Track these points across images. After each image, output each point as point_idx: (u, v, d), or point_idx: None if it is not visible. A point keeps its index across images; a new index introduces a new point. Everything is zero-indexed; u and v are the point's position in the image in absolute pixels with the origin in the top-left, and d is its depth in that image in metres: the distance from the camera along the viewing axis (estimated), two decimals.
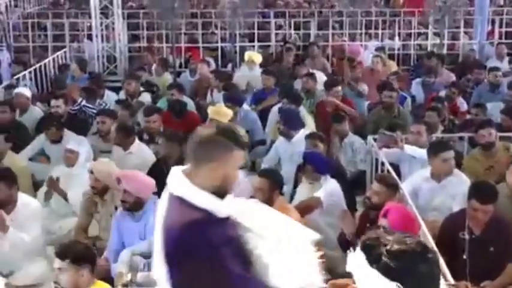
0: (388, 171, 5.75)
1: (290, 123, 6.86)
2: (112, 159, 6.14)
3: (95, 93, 8.46)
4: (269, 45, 12.47)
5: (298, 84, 9.18)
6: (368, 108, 8.82)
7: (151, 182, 5.10)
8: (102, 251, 5.11)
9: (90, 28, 12.35)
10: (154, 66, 10.47)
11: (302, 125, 7.01)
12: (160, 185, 5.33)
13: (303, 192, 5.77)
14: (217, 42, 12.36)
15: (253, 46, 12.30)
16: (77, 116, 8.06)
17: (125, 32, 12.28)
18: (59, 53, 11.70)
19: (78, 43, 12.87)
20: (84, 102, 8.14)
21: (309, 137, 6.32)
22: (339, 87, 8.36)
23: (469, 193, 4.65)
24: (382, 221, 4.36)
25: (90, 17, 12.37)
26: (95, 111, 8.00)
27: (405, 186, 5.38)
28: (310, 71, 9.46)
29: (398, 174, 5.93)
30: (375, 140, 6.46)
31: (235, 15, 11.34)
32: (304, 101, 8.30)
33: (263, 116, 8.33)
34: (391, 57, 11.71)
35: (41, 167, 6.88)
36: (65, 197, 6.01)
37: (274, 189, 4.98)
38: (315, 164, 5.68)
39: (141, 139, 7.01)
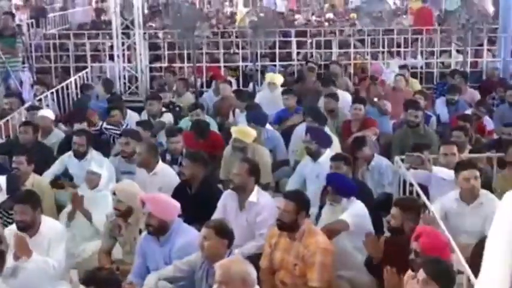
0: (417, 193, 5.63)
1: (320, 140, 6.77)
2: (135, 181, 6.08)
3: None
4: (290, 64, 12.42)
5: (321, 104, 9.11)
6: (392, 128, 8.73)
7: (176, 204, 5.02)
8: (126, 274, 5.03)
9: (111, 48, 12.40)
10: (175, 86, 10.46)
11: (330, 143, 6.93)
12: (185, 207, 5.35)
13: (327, 214, 5.68)
14: (237, 61, 12.35)
15: (275, 65, 12.29)
16: (99, 137, 8.04)
17: (146, 52, 12.31)
18: (81, 73, 11.74)
19: (100, 63, 12.91)
20: (105, 125, 8.12)
21: (334, 159, 6.22)
22: (362, 105, 8.33)
23: None
24: (413, 245, 4.27)
25: (111, 38, 12.43)
26: (117, 132, 7.96)
27: (435, 209, 5.26)
28: (333, 90, 9.41)
29: (428, 195, 5.80)
30: (402, 160, 6.33)
31: (256, 34, 11.29)
32: (328, 121, 8.25)
33: (286, 136, 8.26)
34: (414, 75, 11.63)
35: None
36: (89, 217, 5.94)
37: (300, 212, 4.89)
38: (336, 186, 5.59)
39: (163, 160, 6.94)
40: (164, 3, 27.99)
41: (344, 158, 6.23)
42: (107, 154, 7.51)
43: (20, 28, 13.84)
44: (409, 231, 4.67)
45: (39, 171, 6.82)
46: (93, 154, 7.07)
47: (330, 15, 20.67)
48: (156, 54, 13.18)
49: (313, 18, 20.14)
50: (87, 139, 7.08)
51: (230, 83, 10.10)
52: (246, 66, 12.54)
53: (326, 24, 18.09)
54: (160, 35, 14.85)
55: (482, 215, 5.32)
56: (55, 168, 7.15)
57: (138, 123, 8.04)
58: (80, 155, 7.05)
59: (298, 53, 12.97)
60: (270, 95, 9.79)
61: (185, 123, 8.59)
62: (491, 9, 14.87)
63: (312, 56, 12.95)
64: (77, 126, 7.85)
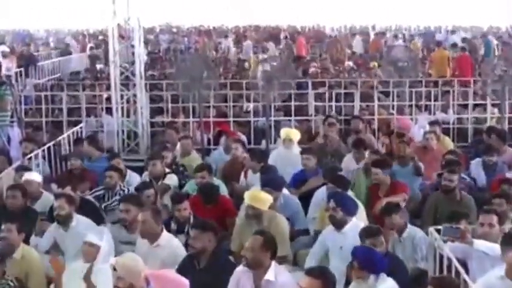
0: (455, 269, 5.54)
1: (345, 207, 6.71)
2: (136, 252, 6.02)
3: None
4: (307, 120, 12.46)
5: (346, 163, 9.12)
6: (423, 193, 8.70)
7: (185, 282, 4.96)
8: None
9: (109, 101, 12.44)
10: (179, 144, 10.48)
11: (356, 210, 6.88)
12: (192, 284, 5.26)
13: None
14: (248, 115, 12.39)
15: (290, 120, 12.32)
16: (90, 202, 8.03)
17: (147, 105, 12.38)
18: (74, 128, 11.76)
19: (96, 118, 12.99)
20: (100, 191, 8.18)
21: (366, 235, 6.13)
22: (379, 170, 8.27)
23: None
24: None
25: (109, 89, 12.50)
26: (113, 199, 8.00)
27: None
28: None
29: (467, 272, 5.71)
30: (437, 231, 6.25)
31: (269, 86, 11.31)
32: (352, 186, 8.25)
33: (304, 201, 8.21)
34: (445, 132, 11.59)
35: None
36: None
37: None
38: (364, 260, 5.52)
39: (167, 229, 6.89)
40: (165, 49, 28.50)
41: (377, 231, 6.16)
42: (99, 221, 7.47)
43: (9, 78, 13.98)
44: None
45: (28, 241, 6.77)
46: (79, 221, 7.03)
47: (349, 63, 20.81)
48: (157, 108, 13.26)
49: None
50: (67, 202, 7.02)
51: (243, 144, 10.07)
52: (258, 120, 12.58)
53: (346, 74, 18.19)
54: (162, 85, 14.93)
55: None
56: (46, 240, 7.09)
57: (137, 189, 8.01)
58: (63, 221, 6.99)
59: (315, 107, 12.99)
60: (286, 153, 9.75)
61: (191, 186, 8.55)
62: None
63: (331, 110, 12.97)
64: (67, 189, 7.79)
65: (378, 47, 24.59)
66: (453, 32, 29.68)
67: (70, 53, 25.59)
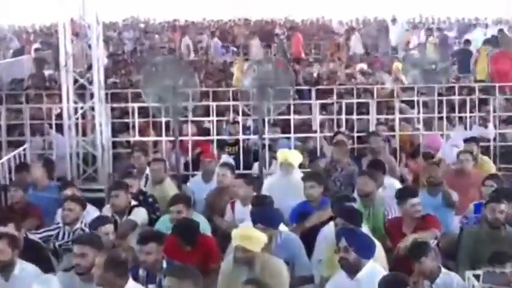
0: None
1: (360, 248, 6.71)
2: None
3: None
4: (311, 137, 12.47)
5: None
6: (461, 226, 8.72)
7: None
8: None
9: (59, 116, 12.43)
10: (148, 170, 10.46)
11: (373, 251, 6.89)
12: None
13: None
14: (237, 133, 12.40)
15: (289, 138, 12.33)
16: (36, 244, 8.00)
17: (108, 120, 12.37)
18: (16, 151, 11.75)
19: (43, 137, 12.95)
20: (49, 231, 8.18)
21: (389, 285, 6.13)
22: (417, 199, 8.27)
23: None
24: None
25: (60, 101, 12.48)
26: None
27: None
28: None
29: None
30: (477, 277, 6.26)
31: (263, 95, 11.32)
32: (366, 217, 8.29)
33: (307, 240, 8.22)
34: (483, 151, 11.63)
35: None
36: None
37: None
38: None
39: (135, 278, 6.87)
40: (131, 49, 28.58)
41: (402, 282, 6.17)
42: (47, 268, 7.47)
43: None
44: None
45: None
46: (26, 269, 7.03)
47: (363, 66, 20.89)
48: (121, 124, 13.25)
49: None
50: (9, 244, 7.02)
51: (232, 168, 10.07)
52: (248, 139, 12.58)
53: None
54: (127, 95, 14.91)
55: None
56: None
57: (93, 225, 7.96)
58: (3, 268, 7.00)
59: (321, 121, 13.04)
60: (284, 180, 9.79)
61: (164, 223, 8.56)
62: None
63: (340, 124, 12.99)
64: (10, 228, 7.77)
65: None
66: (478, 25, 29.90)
67: (11, 56, 25.62)
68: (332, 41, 26.30)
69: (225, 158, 11.59)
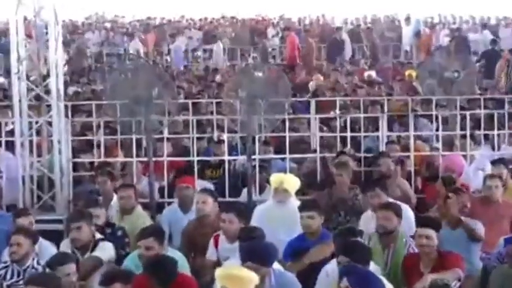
0: None
1: None
2: None
3: None
4: (309, 158, 12.47)
5: (365, 223, 9.23)
6: (484, 267, 8.76)
7: None
8: None
9: (11, 133, 12.41)
10: (116, 197, 10.46)
11: None
12: None
13: None
14: (222, 153, 12.40)
15: (283, 159, 12.34)
16: None
17: (69, 138, 12.37)
18: None
19: None
20: None
21: None
22: (427, 231, 8.26)
23: None
24: None
25: (12, 114, 12.46)
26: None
27: None
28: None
29: None
30: None
31: (252, 109, 11.33)
32: (379, 252, 8.25)
33: (305, 279, 8.24)
34: None
35: None
36: None
37: None
38: None
39: None
40: (95, 53, 28.61)
41: None
42: None
43: None
44: None
45: None
46: None
47: (371, 73, 20.98)
48: (84, 142, 13.25)
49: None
50: None
51: (212, 194, 10.07)
52: (235, 160, 12.60)
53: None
54: (90, 107, 14.91)
55: None
56: None
57: (52, 263, 7.93)
58: None
59: (321, 139, 13.03)
60: (278, 209, 9.82)
61: (133, 260, 8.56)
62: None
63: (344, 143, 13.00)
64: None
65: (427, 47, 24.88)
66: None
67: None
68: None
69: (202, 184, 11.50)
